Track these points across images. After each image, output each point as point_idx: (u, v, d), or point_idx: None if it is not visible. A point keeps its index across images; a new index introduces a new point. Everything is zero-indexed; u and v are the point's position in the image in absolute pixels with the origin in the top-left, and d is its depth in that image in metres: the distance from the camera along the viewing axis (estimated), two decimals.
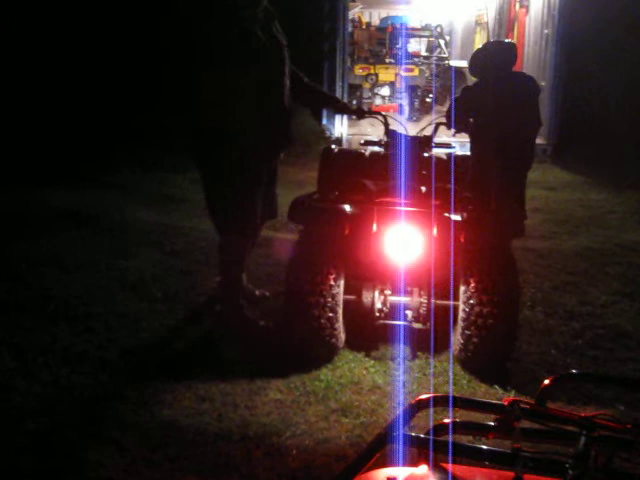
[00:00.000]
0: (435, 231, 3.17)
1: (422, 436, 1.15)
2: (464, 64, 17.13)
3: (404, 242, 3.21)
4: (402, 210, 3.18)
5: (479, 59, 4.75)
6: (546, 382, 1.27)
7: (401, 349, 3.64)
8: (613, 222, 7.13)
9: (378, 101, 14.09)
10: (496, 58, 4.68)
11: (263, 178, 4.07)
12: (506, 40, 5.11)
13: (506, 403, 1.23)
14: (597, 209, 7.66)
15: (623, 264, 5.64)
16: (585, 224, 7.00)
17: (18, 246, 5.49)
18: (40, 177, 7.49)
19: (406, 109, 13.86)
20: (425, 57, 16.16)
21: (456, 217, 3.19)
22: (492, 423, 1.24)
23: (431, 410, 1.32)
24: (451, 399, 1.23)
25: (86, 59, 9.46)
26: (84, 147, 8.65)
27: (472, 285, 3.23)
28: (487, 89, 4.51)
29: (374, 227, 3.21)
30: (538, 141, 11.00)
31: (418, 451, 1.16)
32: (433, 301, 3.40)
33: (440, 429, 1.23)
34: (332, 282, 3.27)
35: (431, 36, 16.97)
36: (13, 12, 9.23)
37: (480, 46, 5.14)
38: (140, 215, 6.63)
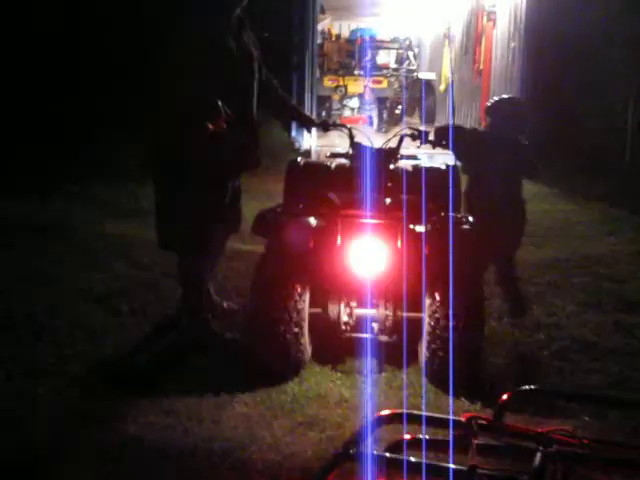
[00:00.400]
0: (400, 243, 3.18)
1: (378, 453, 1.15)
2: (432, 76, 17.32)
3: (368, 254, 3.22)
4: (366, 222, 3.18)
5: (504, 110, 4.62)
6: (504, 397, 1.27)
7: (368, 362, 3.64)
8: (579, 233, 7.21)
9: (347, 113, 14.17)
10: (516, 119, 4.61)
11: (227, 195, 4.03)
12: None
13: (464, 419, 1.23)
14: (564, 220, 7.74)
15: (589, 275, 5.69)
16: (552, 235, 7.07)
17: None
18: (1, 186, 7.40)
19: (375, 121, 13.94)
20: (394, 69, 16.29)
21: (420, 229, 3.20)
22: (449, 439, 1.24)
23: (394, 426, 1.31)
24: (405, 416, 1.22)
25: (52, 60, 9.36)
26: (45, 155, 8.55)
27: (437, 298, 3.24)
28: (500, 143, 4.47)
29: (339, 240, 3.21)
30: None
31: (375, 469, 1.16)
32: (400, 314, 3.41)
33: (397, 446, 1.22)
34: (297, 296, 3.26)
35: (400, 48, 17.12)
36: None
37: (507, 97, 5.06)
38: (106, 227, 6.58)
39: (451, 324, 3.26)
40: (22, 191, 7.41)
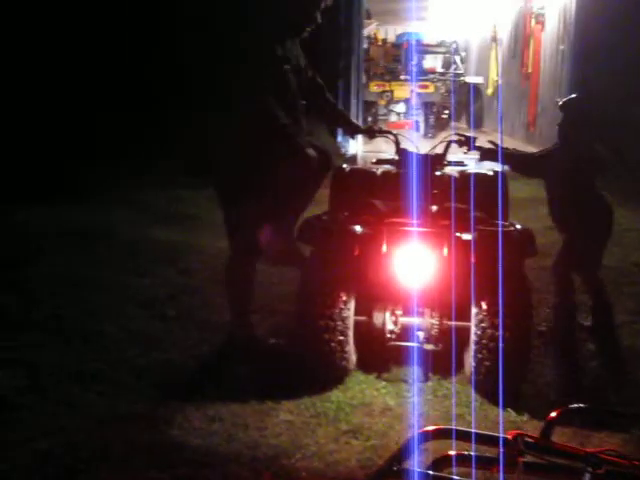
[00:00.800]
0: (446, 251, 3.14)
1: (422, 471, 1.13)
2: (480, 80, 17.16)
3: (414, 263, 3.19)
4: (412, 230, 3.16)
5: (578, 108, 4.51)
6: (552, 415, 1.25)
7: (413, 371, 3.61)
8: (630, 240, 7.04)
9: (393, 118, 14.12)
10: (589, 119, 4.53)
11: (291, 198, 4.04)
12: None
13: (510, 436, 1.20)
14: (615, 227, 7.58)
15: (639, 284, 5.57)
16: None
17: (29, 264, 5.51)
18: (47, 192, 7.52)
19: (422, 126, 13.86)
20: (441, 73, 16.17)
21: (467, 237, 3.16)
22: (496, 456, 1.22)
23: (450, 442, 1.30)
24: (451, 432, 1.21)
25: (101, 66, 9.53)
26: (92, 160, 8.69)
27: (484, 307, 3.20)
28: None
29: (384, 248, 3.19)
30: None
31: None
32: (446, 322, 3.38)
33: (443, 462, 1.21)
34: (342, 304, 3.25)
35: (447, 52, 16.99)
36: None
37: (577, 97, 4.78)
38: (153, 233, 6.64)
39: (500, 333, 3.22)
40: (68, 197, 7.54)
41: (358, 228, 3.25)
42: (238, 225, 4.09)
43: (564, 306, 4.65)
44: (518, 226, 3.43)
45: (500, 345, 3.26)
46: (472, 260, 3.11)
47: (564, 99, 4.61)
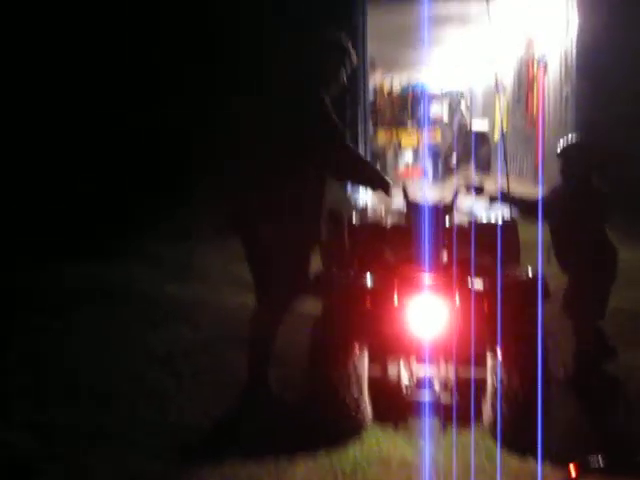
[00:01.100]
0: (457, 301, 3.13)
1: None
2: (485, 126, 17.29)
3: (426, 314, 3.18)
4: (423, 281, 3.15)
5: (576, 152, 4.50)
6: (572, 474, 1.23)
7: (430, 422, 3.57)
8: None
9: (402, 166, 14.20)
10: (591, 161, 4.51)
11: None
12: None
13: None
14: (628, 268, 7.51)
15: None
16: (615, 284, 6.87)
17: (43, 322, 5.54)
18: (67, 248, 7.59)
19: (430, 173, 13.94)
20: (447, 121, 16.31)
21: (478, 286, 3.15)
22: None
23: None
24: None
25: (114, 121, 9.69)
26: (109, 216, 8.78)
27: (499, 356, 3.17)
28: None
29: (395, 300, 3.18)
30: None
31: None
32: (461, 373, 3.34)
33: None
34: (356, 358, 3.23)
35: (452, 100, 17.16)
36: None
37: (577, 140, 4.69)
38: (168, 288, 6.66)
39: (516, 383, 3.18)
40: (86, 253, 7.60)
41: (369, 280, 3.25)
42: (265, 280, 4.09)
43: (583, 350, 4.57)
44: (530, 272, 3.41)
45: (517, 394, 3.22)
46: (484, 309, 3.10)
47: (562, 145, 4.58)
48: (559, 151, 4.55)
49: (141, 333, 5.39)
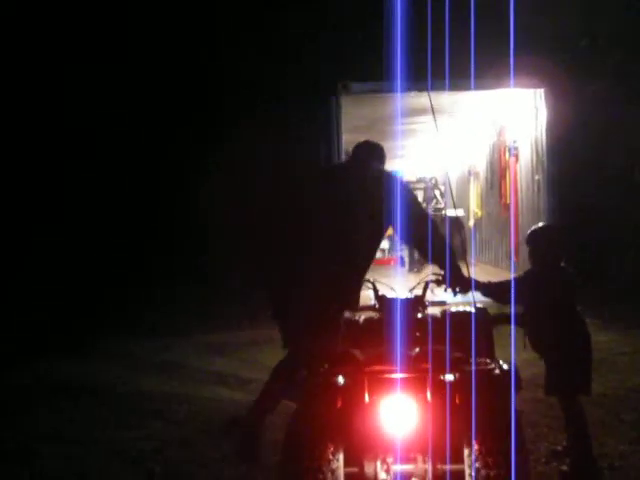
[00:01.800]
0: (429, 396, 3.09)
1: None
2: (460, 213, 17.52)
3: (398, 410, 3.14)
4: (393, 378, 3.12)
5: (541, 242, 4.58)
6: None
7: None
8: (624, 365, 6.98)
9: (378, 254, 14.26)
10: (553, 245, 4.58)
11: None
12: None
13: None
14: (606, 351, 7.51)
15: (637, 410, 5.47)
16: (595, 368, 6.83)
17: (16, 422, 5.41)
18: (39, 346, 7.50)
19: (406, 261, 14.00)
20: None
21: (449, 379, 3.12)
22: None
23: None
24: None
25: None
26: (81, 313, 8.73)
27: (476, 447, 3.10)
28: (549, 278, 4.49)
29: (366, 397, 3.15)
30: None
31: None
32: (439, 467, 3.25)
33: None
34: (330, 456, 3.14)
35: (426, 188, 17.44)
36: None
37: (541, 227, 4.86)
38: (141, 384, 6.56)
39: (494, 474, 3.10)
40: (56, 350, 7.50)
41: (339, 379, 3.21)
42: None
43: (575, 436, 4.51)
44: (502, 362, 3.38)
45: None
46: (457, 402, 3.06)
47: (529, 232, 4.68)
48: (527, 237, 4.63)
49: (111, 430, 5.25)
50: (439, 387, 3.09)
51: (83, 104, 9.63)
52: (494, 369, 3.27)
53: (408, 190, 4.46)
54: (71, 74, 9.61)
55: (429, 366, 3.15)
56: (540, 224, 4.89)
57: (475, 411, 2.99)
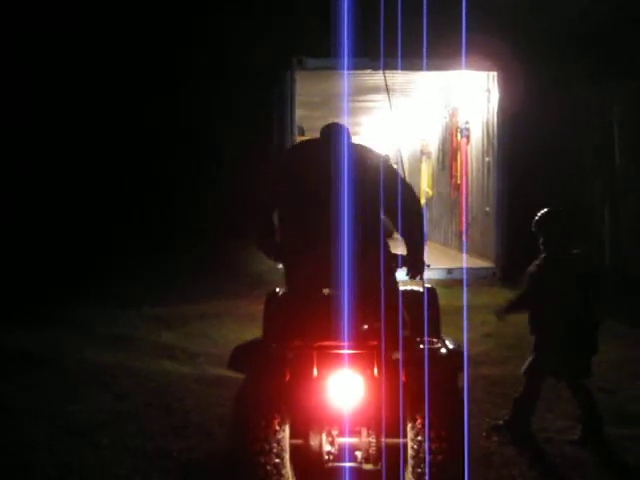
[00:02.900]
0: (376, 371, 3.17)
1: None
2: None
3: (345, 386, 3.21)
4: (341, 353, 3.19)
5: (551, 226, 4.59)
6: None
7: None
8: None
9: None
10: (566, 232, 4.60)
11: None
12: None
13: None
14: None
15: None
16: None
17: None
18: None
19: None
20: None
21: (396, 356, 3.19)
22: None
23: None
24: None
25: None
26: (33, 281, 8.63)
27: (419, 421, 3.19)
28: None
29: (314, 372, 3.21)
30: (486, 264, 11.27)
31: None
32: (383, 440, 3.34)
33: None
34: (277, 427, 3.20)
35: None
36: None
37: (553, 212, 4.71)
38: (90, 355, 6.52)
39: (435, 447, 3.19)
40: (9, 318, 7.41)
41: (288, 353, 3.26)
42: None
43: (523, 411, 4.67)
44: (447, 342, 3.47)
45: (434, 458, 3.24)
46: (403, 378, 3.15)
47: (539, 217, 4.67)
48: (537, 222, 4.67)
49: (56, 402, 5.22)
50: (387, 364, 3.16)
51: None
52: (440, 348, 3.35)
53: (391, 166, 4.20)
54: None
55: (378, 343, 3.22)
56: (547, 209, 4.73)
57: (420, 388, 3.07)
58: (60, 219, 9.61)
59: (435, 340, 3.45)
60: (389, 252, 3.82)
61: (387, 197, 3.70)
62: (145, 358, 6.38)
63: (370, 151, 4.05)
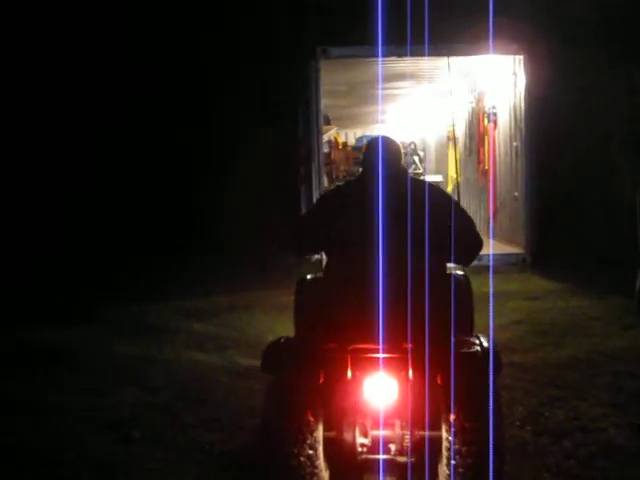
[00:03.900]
0: (411, 374, 3.15)
1: None
2: (439, 178, 17.53)
3: (379, 389, 3.20)
4: (377, 357, 3.17)
5: None
6: None
7: None
8: (597, 329, 7.08)
9: None
10: None
11: None
12: None
13: None
14: (580, 316, 7.62)
15: (610, 373, 5.56)
16: (569, 333, 6.93)
17: None
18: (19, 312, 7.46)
19: None
20: None
21: (433, 359, 3.16)
22: None
23: None
24: None
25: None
26: (64, 280, 8.68)
27: (453, 415, 3.15)
28: None
29: (349, 374, 3.20)
30: (515, 250, 11.15)
31: None
32: (417, 433, 3.31)
33: None
34: (310, 419, 3.18)
35: (405, 153, 17.41)
36: None
37: None
38: (119, 349, 6.54)
39: (470, 438, 3.15)
40: (28, 315, 7.45)
41: (322, 354, 3.24)
42: None
43: None
44: (482, 340, 3.40)
45: (473, 449, 3.19)
46: (437, 381, 3.13)
47: None
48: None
49: (87, 397, 5.24)
50: (422, 367, 3.15)
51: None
52: (475, 351, 3.28)
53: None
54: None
55: (414, 346, 3.20)
56: None
57: (455, 391, 3.05)
58: (91, 218, 9.65)
59: (470, 340, 3.38)
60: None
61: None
62: (175, 351, 6.39)
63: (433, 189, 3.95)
